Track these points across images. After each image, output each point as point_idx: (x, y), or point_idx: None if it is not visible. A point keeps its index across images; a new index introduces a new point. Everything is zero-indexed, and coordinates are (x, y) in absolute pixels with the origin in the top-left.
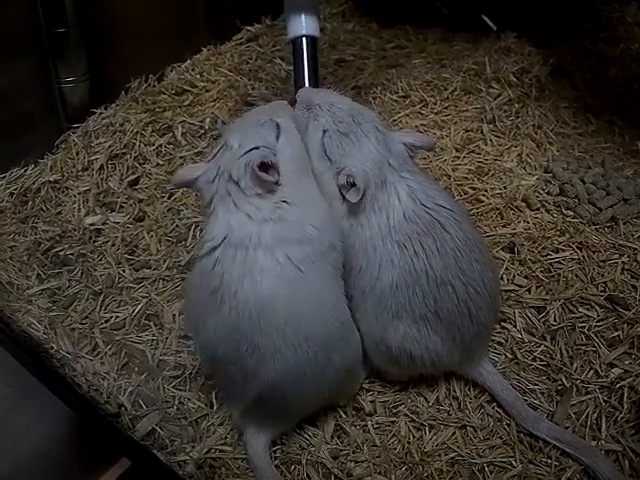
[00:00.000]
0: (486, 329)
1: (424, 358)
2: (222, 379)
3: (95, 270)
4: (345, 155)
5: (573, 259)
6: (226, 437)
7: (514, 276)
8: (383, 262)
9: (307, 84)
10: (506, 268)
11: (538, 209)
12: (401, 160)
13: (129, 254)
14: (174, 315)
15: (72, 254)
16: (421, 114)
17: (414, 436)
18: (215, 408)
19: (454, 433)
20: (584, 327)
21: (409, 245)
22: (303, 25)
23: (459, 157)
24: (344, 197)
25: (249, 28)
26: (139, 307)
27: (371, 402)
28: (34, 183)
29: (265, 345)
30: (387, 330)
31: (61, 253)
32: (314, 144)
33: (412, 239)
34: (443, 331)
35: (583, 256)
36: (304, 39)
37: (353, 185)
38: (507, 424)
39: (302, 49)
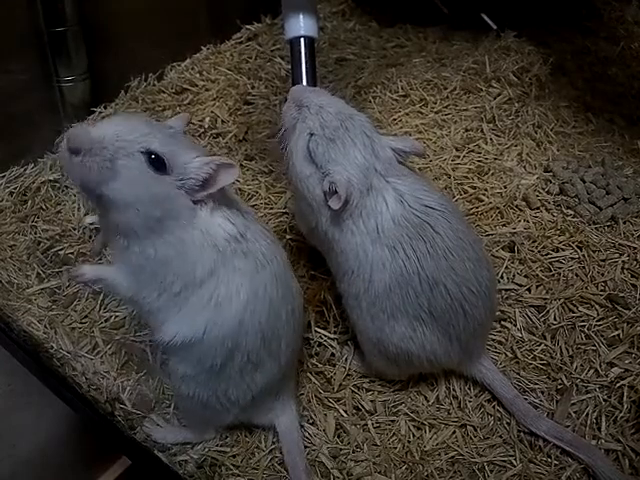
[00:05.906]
0: (483, 327)
1: (421, 357)
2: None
3: None
4: (330, 161)
5: (573, 258)
6: (226, 437)
7: (514, 275)
8: (374, 265)
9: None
10: (506, 267)
11: (538, 208)
12: (388, 165)
13: None
14: None
15: (72, 253)
16: (421, 113)
17: (414, 435)
18: None
19: (454, 432)
20: (584, 326)
21: (399, 248)
22: (301, 25)
23: (459, 156)
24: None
25: (249, 27)
26: None
27: (371, 401)
28: (34, 182)
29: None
30: (383, 331)
31: (61, 252)
32: (300, 147)
33: (402, 242)
34: (439, 330)
35: (583, 255)
36: (302, 40)
37: (336, 192)
38: (507, 423)
39: (299, 50)
